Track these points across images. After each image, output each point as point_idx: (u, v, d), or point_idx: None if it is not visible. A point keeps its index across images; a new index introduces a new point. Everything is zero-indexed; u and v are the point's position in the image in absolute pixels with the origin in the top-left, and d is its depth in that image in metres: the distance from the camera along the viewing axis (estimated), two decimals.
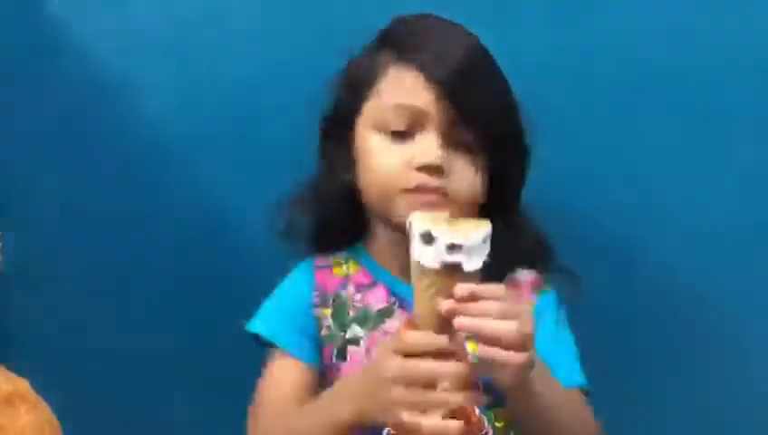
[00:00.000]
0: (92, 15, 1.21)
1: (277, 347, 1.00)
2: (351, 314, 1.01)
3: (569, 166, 1.15)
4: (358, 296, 1.01)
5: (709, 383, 1.22)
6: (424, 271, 0.82)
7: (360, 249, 1.05)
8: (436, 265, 0.81)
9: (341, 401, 0.89)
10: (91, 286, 1.25)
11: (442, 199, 0.95)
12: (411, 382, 0.82)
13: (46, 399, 0.86)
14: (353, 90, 1.00)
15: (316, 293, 1.02)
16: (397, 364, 0.82)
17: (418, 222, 0.83)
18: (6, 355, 0.89)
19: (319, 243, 1.05)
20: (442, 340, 0.82)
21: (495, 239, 0.85)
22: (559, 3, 1.20)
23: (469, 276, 0.81)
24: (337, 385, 0.94)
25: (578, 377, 0.98)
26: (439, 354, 0.82)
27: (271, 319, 1.02)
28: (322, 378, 1.00)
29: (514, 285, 1.01)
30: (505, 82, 0.99)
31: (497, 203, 0.99)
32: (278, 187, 1.21)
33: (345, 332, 0.99)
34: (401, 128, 0.95)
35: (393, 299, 1.00)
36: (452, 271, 0.81)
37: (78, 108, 1.22)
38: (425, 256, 0.81)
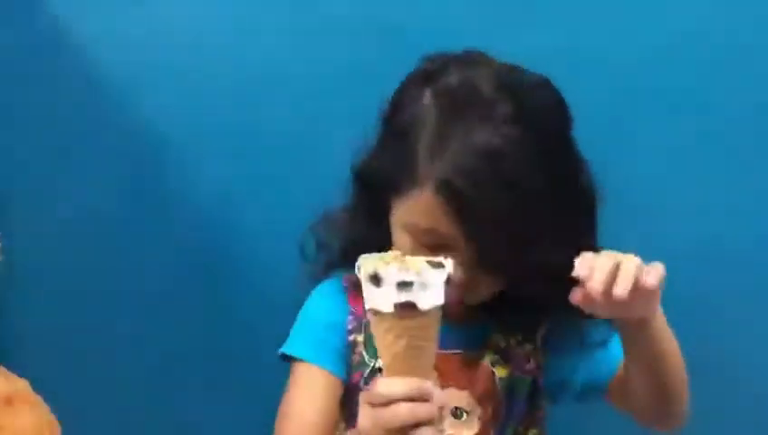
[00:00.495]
0: (92, 15, 1.21)
1: (304, 361, 0.97)
2: None
3: None
4: None
5: (709, 383, 1.21)
6: (379, 316, 0.77)
7: None
8: (389, 308, 0.76)
9: None
10: (91, 287, 1.25)
11: (459, 309, 0.91)
12: (388, 432, 0.78)
13: (46, 399, 0.86)
14: (388, 174, 0.92)
15: (351, 317, 0.99)
16: (369, 416, 0.79)
17: (366, 264, 0.78)
18: (6, 355, 0.89)
19: (348, 260, 0.99)
20: (410, 385, 0.77)
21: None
22: (559, 3, 1.20)
23: (428, 315, 0.77)
24: None
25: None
26: (413, 398, 0.78)
27: (308, 344, 0.99)
28: (349, 397, 0.98)
29: None
30: (534, 188, 0.86)
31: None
32: (278, 187, 1.21)
33: (375, 360, 0.97)
34: (428, 243, 0.89)
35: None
36: (408, 311, 0.76)
37: (78, 108, 1.22)
38: (376, 299, 0.76)
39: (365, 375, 0.97)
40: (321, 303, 1.02)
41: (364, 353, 0.98)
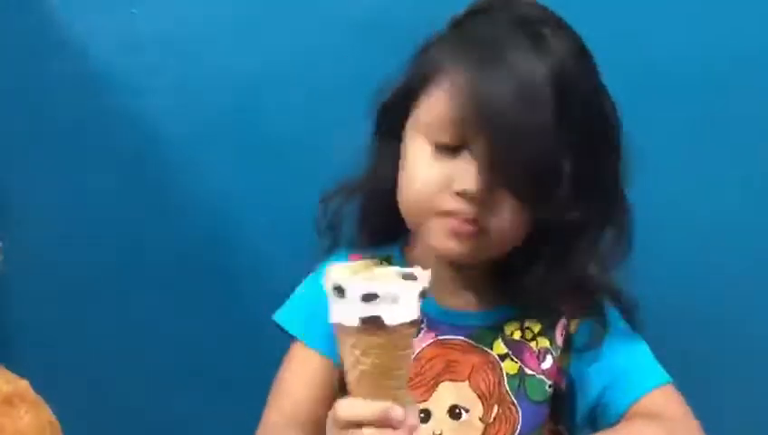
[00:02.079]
0: (92, 15, 1.21)
1: (300, 340, 0.96)
2: None
3: None
4: None
5: (710, 383, 1.22)
6: (344, 331, 0.71)
7: (397, 251, 0.99)
8: (353, 322, 0.70)
9: None
10: (91, 286, 1.25)
11: (474, 232, 0.87)
12: None
13: (46, 399, 0.86)
14: (408, 85, 0.91)
15: None
16: None
17: (331, 273, 0.72)
18: (6, 355, 0.89)
19: (358, 232, 1.00)
20: (373, 408, 0.73)
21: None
22: (559, 3, 1.20)
23: (397, 332, 0.71)
24: None
25: (662, 376, 0.94)
26: (378, 424, 0.73)
27: (298, 313, 0.98)
28: (341, 379, 0.98)
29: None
30: (575, 122, 0.85)
31: (551, 238, 0.91)
32: (279, 185, 1.21)
33: None
34: (446, 142, 0.86)
35: (422, 317, 0.89)
36: (374, 326, 0.70)
37: (78, 108, 1.22)
38: (341, 313, 0.71)
39: None
40: (319, 275, 0.97)
41: None
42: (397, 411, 0.73)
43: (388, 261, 0.98)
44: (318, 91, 1.19)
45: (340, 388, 0.96)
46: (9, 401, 0.82)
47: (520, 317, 0.95)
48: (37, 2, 1.20)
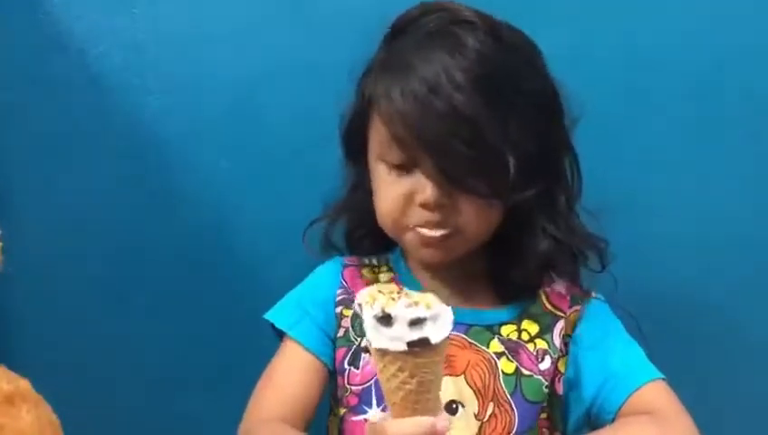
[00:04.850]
0: (92, 15, 1.21)
1: (290, 337, 0.99)
2: None
3: None
4: None
5: (709, 383, 1.22)
6: (388, 356, 0.75)
7: (398, 254, 1.03)
8: (401, 346, 0.73)
9: None
10: (92, 286, 1.25)
11: (444, 237, 0.92)
12: None
13: (46, 399, 0.86)
14: (357, 112, 0.97)
15: (341, 290, 1.00)
16: None
17: (369, 306, 0.75)
18: (6, 355, 0.89)
19: (351, 247, 1.05)
20: (423, 426, 0.76)
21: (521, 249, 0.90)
22: (558, 3, 1.20)
23: (440, 347, 0.75)
24: None
25: (653, 372, 0.96)
26: None
27: (289, 310, 1.01)
28: (332, 379, 0.99)
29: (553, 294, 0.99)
30: (508, 112, 0.88)
31: (519, 220, 0.95)
32: (280, 185, 1.21)
33: (361, 338, 0.97)
34: (397, 162, 0.91)
35: None
36: (421, 347, 0.74)
37: (78, 108, 1.22)
38: (387, 339, 0.74)
39: (350, 353, 0.97)
40: (317, 280, 1.03)
41: (351, 330, 0.98)
42: (442, 423, 0.77)
43: (390, 265, 1.02)
44: (318, 90, 1.19)
45: (334, 392, 0.99)
46: (10, 400, 0.82)
47: (517, 320, 0.98)
48: (37, 2, 1.20)
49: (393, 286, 0.81)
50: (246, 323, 1.20)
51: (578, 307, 0.99)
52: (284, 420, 0.94)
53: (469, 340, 0.96)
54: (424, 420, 0.76)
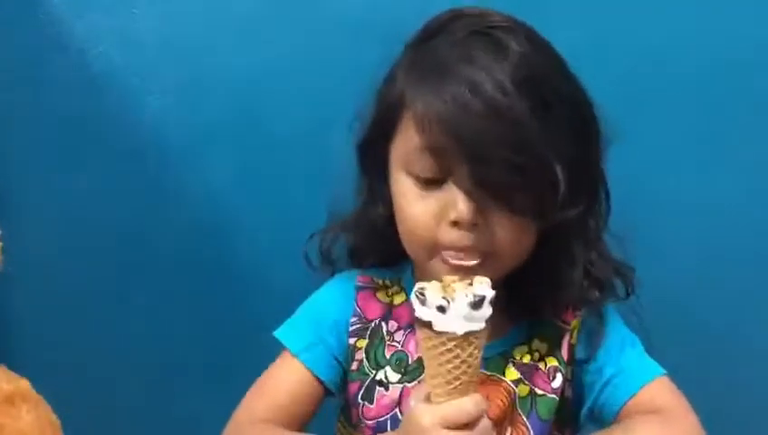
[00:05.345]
0: (92, 15, 1.21)
1: (294, 355, 0.95)
2: (388, 354, 0.93)
3: None
4: (398, 335, 0.94)
5: (709, 383, 1.22)
6: (450, 341, 0.75)
7: (409, 272, 0.96)
8: (460, 330, 0.75)
9: None
10: (92, 286, 1.25)
11: (476, 259, 0.84)
12: None
13: (46, 398, 0.86)
14: (380, 120, 0.89)
15: (355, 319, 0.95)
16: None
17: (430, 292, 0.76)
18: (6, 355, 0.89)
19: (361, 263, 0.99)
20: (476, 406, 0.77)
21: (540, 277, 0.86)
22: (558, 2, 1.20)
23: (487, 327, 0.76)
24: None
25: (656, 369, 0.94)
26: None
27: (301, 332, 0.96)
28: (345, 410, 0.97)
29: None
30: (549, 121, 0.82)
31: (554, 246, 0.88)
32: (280, 185, 1.21)
33: (376, 372, 0.93)
34: (428, 175, 0.83)
35: None
36: (476, 331, 0.76)
37: (78, 108, 1.22)
38: (447, 324, 0.75)
39: (363, 388, 0.94)
40: (330, 298, 0.98)
41: (365, 362, 0.94)
42: (485, 402, 0.78)
43: (402, 286, 0.97)
44: (318, 90, 1.19)
45: (343, 412, 0.97)
46: (10, 400, 0.82)
47: (527, 340, 0.94)
48: (37, 2, 1.20)
49: (437, 283, 0.77)
50: (246, 323, 1.21)
51: (580, 312, 0.96)
52: (271, 428, 0.92)
53: (487, 373, 0.92)
54: (477, 397, 0.77)
